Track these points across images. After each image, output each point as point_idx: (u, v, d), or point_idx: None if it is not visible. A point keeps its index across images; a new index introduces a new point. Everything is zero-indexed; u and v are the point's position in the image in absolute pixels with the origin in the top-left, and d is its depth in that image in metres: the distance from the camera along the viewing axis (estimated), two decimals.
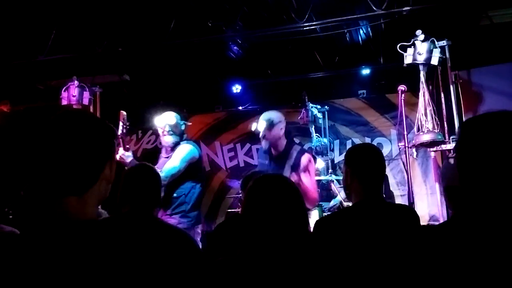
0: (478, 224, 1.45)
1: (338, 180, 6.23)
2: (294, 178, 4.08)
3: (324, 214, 5.36)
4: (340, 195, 6.10)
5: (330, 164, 6.86)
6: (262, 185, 2.00)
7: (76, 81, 6.21)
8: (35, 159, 1.35)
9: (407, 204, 5.06)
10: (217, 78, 8.67)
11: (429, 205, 7.48)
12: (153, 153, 7.29)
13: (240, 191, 4.69)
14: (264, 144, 4.54)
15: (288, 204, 1.93)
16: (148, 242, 1.45)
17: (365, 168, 2.62)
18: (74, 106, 6.18)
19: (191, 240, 2.61)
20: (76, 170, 1.34)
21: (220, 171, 8.83)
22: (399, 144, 5.64)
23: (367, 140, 8.13)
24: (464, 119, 5.77)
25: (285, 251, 1.83)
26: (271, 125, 4.42)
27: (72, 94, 6.17)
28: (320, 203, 5.16)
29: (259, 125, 4.56)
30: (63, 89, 6.25)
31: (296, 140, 4.53)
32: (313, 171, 4.46)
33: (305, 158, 4.35)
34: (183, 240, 2.48)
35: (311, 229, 2.57)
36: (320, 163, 6.26)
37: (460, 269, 1.40)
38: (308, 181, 4.28)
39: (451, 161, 4.90)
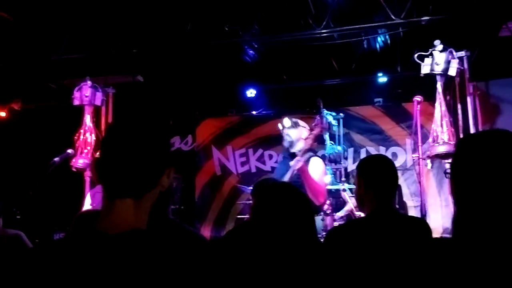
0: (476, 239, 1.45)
1: (350, 189, 6.14)
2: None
3: (335, 223, 5.31)
4: (351, 203, 6.03)
5: (343, 172, 6.80)
6: (271, 194, 2.03)
7: (89, 81, 6.19)
8: (104, 155, 1.36)
9: (419, 215, 5.00)
10: (231, 81, 8.64)
11: (443, 217, 7.38)
12: None
13: (250, 197, 4.70)
14: (285, 143, 4.73)
15: (297, 213, 1.96)
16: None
17: (378, 179, 2.65)
18: (86, 107, 6.16)
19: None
20: (141, 171, 1.34)
21: (231, 176, 8.79)
22: (413, 155, 5.55)
23: (382, 149, 8.06)
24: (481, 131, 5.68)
25: (293, 260, 1.85)
26: (295, 124, 4.72)
27: (85, 94, 6.14)
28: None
29: (284, 121, 4.81)
30: (76, 89, 6.23)
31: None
32: (319, 173, 4.56)
33: (313, 160, 4.59)
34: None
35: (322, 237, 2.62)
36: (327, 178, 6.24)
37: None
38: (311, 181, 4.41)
39: None
